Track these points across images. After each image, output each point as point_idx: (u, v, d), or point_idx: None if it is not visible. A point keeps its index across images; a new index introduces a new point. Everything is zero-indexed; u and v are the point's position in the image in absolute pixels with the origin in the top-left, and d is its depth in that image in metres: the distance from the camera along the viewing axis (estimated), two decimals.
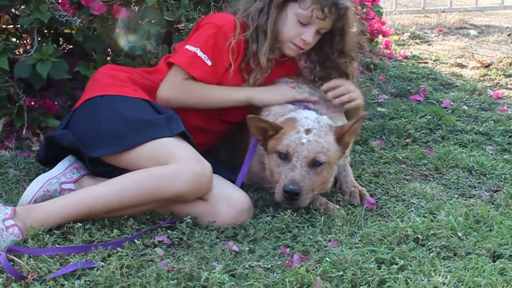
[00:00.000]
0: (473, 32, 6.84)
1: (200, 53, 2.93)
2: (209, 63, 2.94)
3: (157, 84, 3.03)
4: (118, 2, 3.47)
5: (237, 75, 3.05)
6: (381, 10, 5.30)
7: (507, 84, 5.04)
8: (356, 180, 3.13)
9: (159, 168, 2.62)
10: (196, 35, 3.02)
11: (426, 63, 5.60)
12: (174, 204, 2.69)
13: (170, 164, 2.62)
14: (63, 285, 2.18)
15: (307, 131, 2.82)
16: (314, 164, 2.78)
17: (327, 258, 2.34)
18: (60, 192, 2.78)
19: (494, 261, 2.36)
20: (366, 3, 5.19)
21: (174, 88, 2.97)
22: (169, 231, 2.60)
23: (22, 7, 3.43)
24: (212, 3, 3.73)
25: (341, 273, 2.25)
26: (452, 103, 4.40)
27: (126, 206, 2.60)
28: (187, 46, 2.97)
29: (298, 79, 3.21)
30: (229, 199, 2.72)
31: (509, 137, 3.85)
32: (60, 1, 3.31)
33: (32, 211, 2.52)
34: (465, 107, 4.37)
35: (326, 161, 2.80)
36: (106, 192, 2.59)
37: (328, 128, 2.86)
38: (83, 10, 3.35)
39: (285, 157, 2.80)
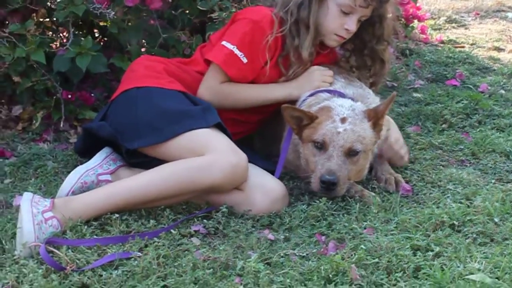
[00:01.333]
0: (511, 14, 6.73)
1: (236, 51, 2.94)
2: (245, 60, 2.95)
3: (193, 75, 3.06)
4: None
5: (274, 70, 3.06)
6: None
7: None
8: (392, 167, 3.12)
9: (195, 159, 2.65)
10: (232, 30, 3.02)
11: (463, 47, 5.53)
12: (210, 194, 2.71)
13: (205, 155, 2.65)
14: (101, 275, 2.21)
15: (343, 120, 2.81)
16: (351, 153, 2.78)
17: (362, 246, 2.34)
18: (97, 183, 2.81)
19: None
20: None
21: (211, 91, 3.00)
22: (205, 220, 2.62)
23: (58, 0, 3.46)
24: None
25: (376, 260, 2.25)
26: (489, 88, 4.34)
27: (163, 197, 2.63)
28: (224, 43, 2.98)
29: (333, 68, 3.19)
30: (264, 188, 2.73)
31: None
32: None
33: (70, 203, 2.56)
34: (503, 91, 4.31)
35: (362, 150, 2.79)
36: (142, 183, 2.62)
37: (363, 115, 2.85)
38: (116, 2, 3.39)
39: (321, 146, 2.80)
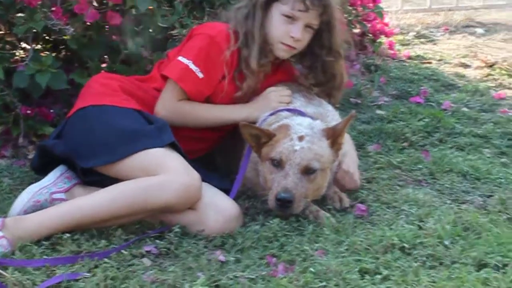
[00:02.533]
0: (479, 30, 6.79)
1: (192, 66, 2.95)
2: (201, 75, 2.95)
3: (150, 92, 3.06)
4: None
5: (231, 85, 3.06)
6: (382, 11, 5.28)
7: (510, 85, 5.00)
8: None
9: (148, 179, 2.64)
10: (189, 46, 3.03)
11: (430, 63, 5.57)
12: (163, 213, 2.70)
13: (158, 175, 2.64)
14: None
15: (300, 138, 2.82)
16: (307, 171, 2.78)
17: (311, 268, 2.35)
18: (51, 202, 2.80)
19: (478, 270, 2.36)
20: (367, 5, 5.19)
21: (168, 109, 3.00)
22: (157, 240, 2.61)
23: (18, 15, 3.45)
24: (207, 9, 3.75)
25: (324, 284, 2.26)
26: (452, 105, 4.37)
27: (115, 217, 2.62)
28: (180, 58, 2.99)
29: (292, 86, 3.20)
30: (217, 207, 2.72)
31: (508, 139, 3.83)
32: (53, 9, 3.35)
33: (20, 222, 2.54)
34: (465, 109, 4.34)
35: (319, 168, 2.80)
36: (94, 203, 2.62)
37: (321, 133, 2.86)
38: (76, 18, 3.37)
39: (278, 164, 2.80)
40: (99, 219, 2.60)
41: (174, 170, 2.65)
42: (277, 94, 3.08)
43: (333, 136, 2.87)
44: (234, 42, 3.01)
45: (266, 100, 3.08)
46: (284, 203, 2.72)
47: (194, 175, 2.67)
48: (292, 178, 2.75)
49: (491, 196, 3.11)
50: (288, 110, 3.05)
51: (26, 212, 2.73)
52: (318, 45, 3.14)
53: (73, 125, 2.92)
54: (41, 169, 3.01)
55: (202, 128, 3.09)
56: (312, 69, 3.23)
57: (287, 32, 3.00)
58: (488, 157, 3.59)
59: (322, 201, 2.95)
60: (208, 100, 3.07)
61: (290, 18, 2.98)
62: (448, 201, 3.04)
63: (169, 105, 3.00)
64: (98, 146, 2.78)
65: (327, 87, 3.25)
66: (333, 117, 3.13)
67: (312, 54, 3.18)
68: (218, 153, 3.35)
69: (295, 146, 2.79)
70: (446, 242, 2.55)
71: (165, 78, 3.04)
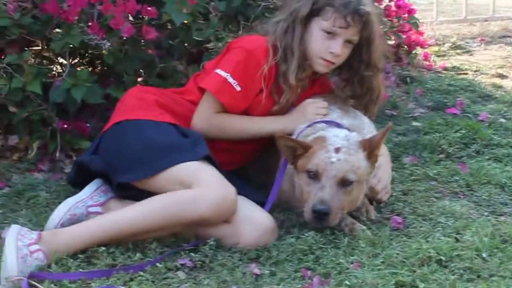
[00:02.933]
0: None
1: (230, 79, 2.95)
2: (238, 88, 2.95)
3: (186, 105, 3.07)
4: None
5: (268, 99, 3.06)
6: (417, 22, 5.25)
7: None
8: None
9: (182, 192, 2.66)
10: (227, 59, 3.03)
11: (466, 74, 5.52)
12: (199, 226, 2.71)
13: (194, 188, 2.65)
14: None
15: (337, 150, 2.80)
16: (344, 183, 2.76)
17: (346, 281, 2.33)
18: (87, 215, 2.82)
19: None
20: (402, 15, 5.17)
21: (205, 121, 3.01)
22: (192, 254, 2.61)
23: (55, 30, 3.49)
24: (242, 22, 3.76)
25: None
26: (489, 116, 4.33)
27: (150, 230, 2.63)
28: (218, 71, 2.99)
29: (328, 98, 3.19)
30: (252, 220, 2.72)
31: None
32: (89, 24, 3.39)
33: (57, 235, 2.57)
34: (503, 120, 4.29)
35: (355, 180, 2.78)
36: (130, 217, 2.63)
37: (357, 145, 2.84)
38: (112, 33, 3.40)
39: (314, 176, 2.79)
40: (134, 233, 2.61)
41: (209, 184, 2.66)
42: (314, 106, 3.07)
43: (370, 148, 2.85)
44: (273, 56, 3.01)
45: (302, 112, 3.07)
46: (320, 215, 2.70)
47: (229, 188, 2.68)
48: (328, 190, 2.73)
49: None
50: (325, 122, 3.03)
51: (63, 225, 2.76)
52: (357, 59, 3.12)
53: (108, 139, 2.95)
54: (77, 184, 3.03)
55: (238, 140, 3.09)
56: (349, 82, 3.21)
57: (327, 48, 3.00)
58: None
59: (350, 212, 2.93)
60: (245, 113, 3.07)
61: (331, 34, 2.98)
62: (486, 213, 3.00)
63: (206, 117, 3.01)
64: (134, 160, 2.80)
65: (363, 100, 3.23)
66: (369, 129, 3.12)
67: (350, 68, 3.16)
68: (252, 167, 3.33)
69: (332, 158, 2.78)
70: (484, 255, 2.51)
71: (202, 91, 3.05)
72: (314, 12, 2.99)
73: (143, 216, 2.62)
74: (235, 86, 2.95)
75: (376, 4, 3.14)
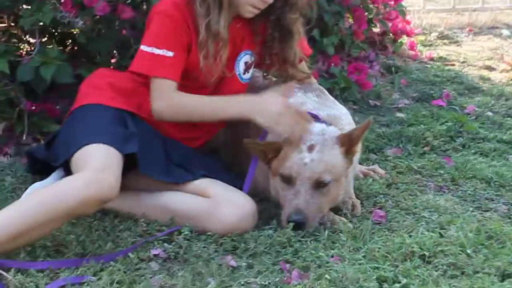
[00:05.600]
0: (505, 32, 6.79)
1: (156, 51, 2.84)
2: (170, 54, 2.85)
3: (136, 80, 3.00)
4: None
5: (196, 55, 2.92)
6: (404, 10, 5.29)
7: None
8: (368, 190, 3.17)
9: (58, 183, 2.64)
10: (146, 32, 2.94)
11: (453, 65, 5.58)
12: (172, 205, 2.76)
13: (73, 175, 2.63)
14: None
15: (310, 148, 2.78)
16: (319, 185, 2.75)
17: (326, 275, 2.33)
18: None
19: (502, 281, 2.35)
20: (388, 2, 5.20)
21: (161, 102, 2.90)
22: (165, 244, 2.61)
23: (24, 7, 3.47)
24: None
25: None
26: (476, 109, 4.38)
27: (34, 227, 2.45)
28: (142, 47, 2.89)
29: (304, 85, 3.19)
30: (233, 201, 2.74)
31: None
32: (62, 1, 3.37)
33: None
34: (490, 113, 4.34)
35: (332, 179, 2.77)
36: (8, 216, 2.46)
37: (334, 141, 2.82)
38: (86, 11, 3.38)
39: (288, 181, 2.78)
40: (20, 233, 2.42)
41: (86, 169, 2.57)
42: (276, 100, 2.88)
43: (348, 144, 2.83)
44: (186, 7, 2.89)
45: (264, 102, 2.89)
46: (297, 224, 2.71)
47: (104, 175, 2.54)
48: (303, 196, 2.72)
49: None
50: None
51: None
52: (280, 1, 2.99)
53: (60, 131, 2.98)
54: (38, 172, 3.05)
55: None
56: (268, 22, 3.07)
57: None
58: None
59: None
60: (194, 77, 2.97)
61: None
62: (471, 209, 3.02)
63: (158, 102, 2.90)
64: (66, 142, 2.80)
65: (279, 44, 3.10)
66: (347, 120, 3.10)
67: (272, 8, 2.99)
68: (224, 148, 3.30)
69: (305, 158, 2.76)
70: (469, 251, 2.53)
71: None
72: None
73: (22, 215, 2.45)
74: (165, 54, 2.84)
75: None
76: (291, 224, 2.68)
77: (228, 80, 3.06)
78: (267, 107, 2.86)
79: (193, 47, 2.90)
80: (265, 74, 3.28)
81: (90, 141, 2.68)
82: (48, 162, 2.91)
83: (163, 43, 2.85)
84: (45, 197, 2.50)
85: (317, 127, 2.86)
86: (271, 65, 3.17)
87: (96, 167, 2.56)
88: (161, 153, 2.92)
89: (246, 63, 3.13)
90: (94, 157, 2.62)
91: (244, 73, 3.13)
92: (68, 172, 2.79)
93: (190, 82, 2.97)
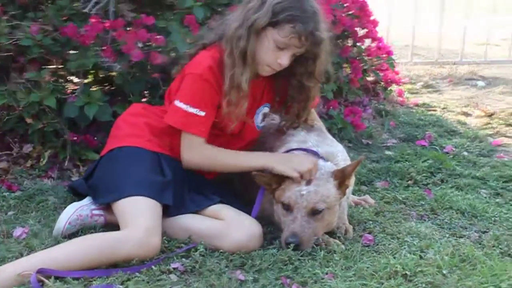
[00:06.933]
0: (480, 83, 6.77)
1: (191, 109, 2.84)
2: (202, 114, 2.84)
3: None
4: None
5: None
6: (394, 62, 5.32)
7: (506, 133, 4.97)
8: (359, 216, 3.15)
9: (111, 234, 2.62)
10: (182, 89, 2.90)
11: (435, 110, 5.58)
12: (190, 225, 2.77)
13: (122, 230, 2.63)
14: None
15: (308, 182, 2.79)
16: (314, 212, 2.75)
17: None
18: (91, 217, 2.82)
19: None
20: (381, 56, 5.22)
21: (193, 154, 2.91)
22: (183, 259, 2.61)
23: (71, 52, 3.51)
24: None
25: None
26: (454, 149, 4.37)
27: (88, 267, 2.47)
28: (177, 103, 2.86)
29: (306, 126, 3.18)
30: (242, 223, 2.74)
31: (503, 182, 3.78)
32: (104, 48, 3.41)
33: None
34: (466, 153, 4.33)
35: (325, 207, 2.77)
36: (68, 257, 2.47)
37: (329, 175, 2.82)
38: (123, 57, 3.42)
39: (287, 208, 2.79)
40: (73, 269, 2.44)
41: (136, 228, 2.59)
42: (302, 164, 2.84)
43: (341, 178, 2.83)
44: (218, 70, 2.86)
45: (288, 160, 2.89)
46: (293, 246, 2.70)
47: (152, 238, 2.58)
48: (299, 222, 2.73)
49: (486, 232, 3.08)
50: (302, 149, 3.00)
51: (70, 224, 2.76)
52: (301, 68, 2.98)
53: (99, 167, 2.98)
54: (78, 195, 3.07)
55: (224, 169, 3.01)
56: (289, 84, 3.06)
57: (276, 58, 2.85)
58: (485, 197, 3.56)
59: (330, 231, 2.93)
60: (220, 129, 2.98)
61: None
62: (447, 235, 3.00)
63: (192, 153, 2.91)
64: (109, 186, 2.82)
65: (298, 106, 3.09)
66: (342, 157, 3.09)
67: (293, 75, 3.01)
68: (238, 180, 3.27)
69: (302, 190, 2.77)
70: (444, 272, 2.52)
71: None
72: (270, 23, 2.80)
73: (80, 256, 2.48)
74: (198, 113, 2.84)
75: (329, 28, 2.99)
76: (292, 245, 2.67)
77: (248, 127, 3.08)
78: (284, 158, 2.92)
79: (224, 102, 2.87)
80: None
81: (134, 192, 2.71)
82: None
83: (197, 103, 2.84)
84: (101, 247, 2.51)
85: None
86: (286, 119, 3.17)
87: (147, 227, 2.58)
88: (185, 187, 2.94)
89: (264, 114, 3.15)
90: (143, 214, 2.64)
91: (261, 123, 3.15)
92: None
93: (219, 131, 2.98)
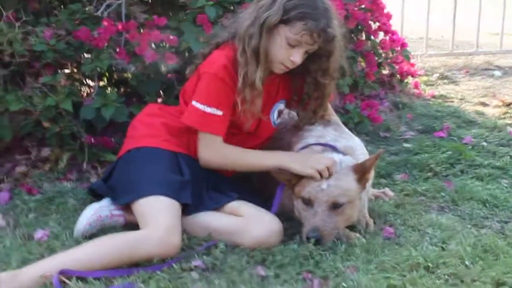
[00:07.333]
0: (497, 73, 6.73)
1: (208, 109, 2.83)
2: (219, 113, 2.84)
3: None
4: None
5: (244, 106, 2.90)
6: (409, 54, 5.29)
7: None
8: (379, 210, 3.14)
9: (131, 234, 2.62)
10: (199, 88, 2.89)
11: (452, 102, 5.54)
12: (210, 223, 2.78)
13: (142, 229, 2.64)
14: None
15: (328, 176, 2.78)
16: (335, 206, 2.74)
17: (343, 283, 2.33)
18: (111, 217, 2.83)
19: None
20: (395, 48, 5.20)
21: (210, 153, 2.91)
22: (204, 256, 2.61)
23: (85, 55, 3.52)
24: None
25: None
26: (473, 140, 4.34)
27: (109, 267, 2.48)
28: (194, 103, 2.85)
29: (324, 121, 3.15)
30: (262, 219, 2.74)
31: None
32: (117, 50, 3.42)
33: (16, 277, 2.37)
34: (485, 143, 4.29)
35: (346, 201, 2.75)
36: (87, 257, 2.48)
37: (349, 169, 2.81)
38: (137, 58, 3.43)
39: (308, 202, 2.78)
40: (94, 269, 2.45)
41: (155, 228, 2.59)
42: (319, 159, 2.85)
43: (361, 172, 2.81)
44: (232, 69, 2.85)
45: (305, 157, 2.89)
46: (314, 241, 2.69)
47: (172, 237, 2.59)
48: (320, 216, 2.72)
49: (508, 222, 3.06)
50: (321, 144, 2.99)
51: (90, 225, 2.77)
52: (315, 65, 2.97)
53: (117, 168, 2.99)
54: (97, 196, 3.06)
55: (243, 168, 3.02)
56: (304, 82, 3.05)
57: (288, 55, 2.83)
58: (506, 187, 3.53)
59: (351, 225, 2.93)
60: (237, 127, 2.98)
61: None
62: (469, 226, 2.99)
63: (208, 153, 2.91)
64: (129, 186, 2.83)
65: (315, 102, 3.08)
66: (361, 150, 3.08)
67: (308, 72, 3.00)
68: (256, 178, 3.26)
69: (322, 185, 2.75)
70: (467, 263, 2.51)
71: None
72: (282, 20, 2.78)
73: (99, 256, 2.48)
74: (215, 113, 2.83)
75: (342, 23, 2.97)
76: (313, 240, 2.67)
77: (264, 124, 3.07)
78: (301, 157, 2.91)
79: (239, 100, 2.87)
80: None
81: (153, 192, 2.72)
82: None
83: (213, 103, 2.83)
84: (122, 247, 2.52)
85: (335, 157, 2.86)
86: (304, 116, 3.16)
87: (167, 226, 2.59)
88: (204, 186, 2.94)
89: (279, 110, 3.14)
90: (162, 213, 2.65)
91: (277, 119, 3.15)
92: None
93: (236, 130, 2.98)
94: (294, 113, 3.29)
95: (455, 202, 3.29)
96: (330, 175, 2.77)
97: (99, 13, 3.52)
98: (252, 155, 2.97)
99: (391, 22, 5.11)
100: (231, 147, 2.94)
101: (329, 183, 2.75)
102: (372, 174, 3.00)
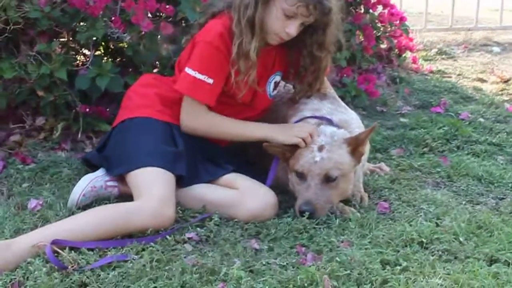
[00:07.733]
0: (496, 49, 6.72)
1: (199, 76, 2.81)
2: (210, 81, 2.82)
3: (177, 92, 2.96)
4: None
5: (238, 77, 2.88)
6: (408, 29, 5.26)
7: None
8: (374, 184, 3.14)
9: (125, 205, 2.61)
10: (193, 56, 2.87)
11: (450, 77, 5.53)
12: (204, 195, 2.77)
13: (135, 200, 2.63)
14: (99, 275, 2.21)
15: (320, 148, 2.77)
16: (328, 179, 2.74)
17: (337, 258, 2.32)
18: (105, 188, 2.82)
19: (490, 265, 2.32)
20: (394, 22, 5.16)
21: (192, 120, 2.91)
22: (198, 228, 2.61)
23: (81, 24, 3.49)
24: None
25: (348, 272, 2.23)
26: (469, 115, 4.33)
27: (103, 237, 2.47)
28: (187, 70, 2.84)
29: (319, 94, 3.14)
30: (257, 192, 2.74)
31: None
32: (113, 19, 3.39)
33: (9, 246, 2.32)
34: (482, 119, 4.29)
35: (339, 174, 2.75)
36: (81, 227, 2.46)
37: (342, 141, 2.80)
38: (133, 28, 3.39)
39: (301, 176, 2.78)
40: (87, 240, 2.44)
41: (150, 199, 2.59)
42: (301, 129, 2.88)
43: (355, 145, 2.80)
44: (229, 38, 2.84)
45: (288, 128, 2.92)
46: (307, 215, 2.69)
47: (166, 208, 2.59)
48: (313, 190, 2.72)
49: (503, 198, 3.06)
50: (317, 117, 2.98)
51: (85, 196, 2.75)
52: (311, 38, 2.96)
53: (114, 137, 2.97)
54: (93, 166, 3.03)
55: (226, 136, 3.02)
56: (301, 56, 3.04)
57: (283, 27, 2.82)
58: (501, 164, 3.53)
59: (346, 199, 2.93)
60: (229, 96, 2.95)
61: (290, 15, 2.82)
62: (464, 202, 2.99)
63: (192, 118, 2.91)
64: (123, 157, 2.82)
65: (311, 75, 3.06)
66: (357, 124, 3.07)
67: (303, 44, 2.99)
68: (251, 149, 3.22)
69: (316, 157, 2.75)
70: (461, 239, 2.51)
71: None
72: None
73: (93, 227, 2.46)
74: (206, 80, 2.81)
75: None
76: (306, 214, 2.67)
77: (260, 96, 3.04)
78: (284, 128, 2.92)
79: (233, 70, 2.85)
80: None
81: (147, 164, 2.71)
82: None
83: (205, 70, 2.82)
84: (115, 218, 2.51)
85: (328, 129, 2.85)
86: (300, 89, 3.13)
87: (161, 198, 2.59)
88: (199, 157, 2.93)
89: (275, 82, 3.12)
90: (156, 185, 2.64)
91: (273, 91, 3.12)
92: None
93: (228, 99, 2.96)
94: (289, 86, 3.28)
95: (451, 178, 3.29)
96: (322, 145, 2.76)
97: None
98: (234, 125, 2.95)
99: None
100: (215, 116, 2.92)
101: (322, 155, 2.75)
102: (367, 148, 3.00)
